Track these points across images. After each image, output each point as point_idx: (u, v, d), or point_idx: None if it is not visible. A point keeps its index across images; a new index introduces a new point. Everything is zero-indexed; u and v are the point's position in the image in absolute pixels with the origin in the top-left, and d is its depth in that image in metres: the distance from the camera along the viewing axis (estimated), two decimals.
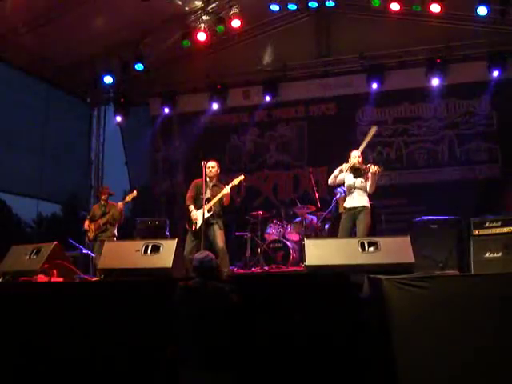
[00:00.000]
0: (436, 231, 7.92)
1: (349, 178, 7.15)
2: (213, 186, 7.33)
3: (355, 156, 7.09)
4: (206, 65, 11.83)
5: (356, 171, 7.04)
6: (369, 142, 7.44)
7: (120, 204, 8.81)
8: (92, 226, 8.74)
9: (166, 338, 4.50)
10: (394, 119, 11.05)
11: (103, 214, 8.76)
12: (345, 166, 7.08)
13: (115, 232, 8.83)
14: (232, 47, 11.62)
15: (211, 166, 7.36)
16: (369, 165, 6.98)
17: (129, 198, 8.87)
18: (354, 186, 7.11)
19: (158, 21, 10.67)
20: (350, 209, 7.09)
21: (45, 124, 11.30)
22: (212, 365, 4.15)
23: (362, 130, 11.13)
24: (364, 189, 7.07)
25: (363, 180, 7.05)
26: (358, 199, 7.06)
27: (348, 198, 7.19)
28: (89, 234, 8.81)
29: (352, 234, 7.07)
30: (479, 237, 7.34)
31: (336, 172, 7.20)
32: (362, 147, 7.23)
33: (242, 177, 7.43)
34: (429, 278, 4.76)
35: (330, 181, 7.35)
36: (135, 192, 8.89)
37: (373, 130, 7.51)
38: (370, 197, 7.17)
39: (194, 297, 4.35)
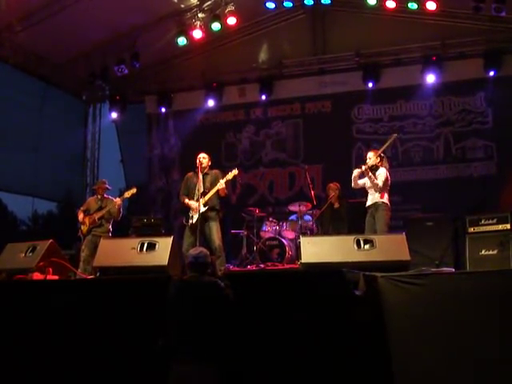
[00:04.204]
0: (431, 229, 7.95)
1: (365, 179, 7.32)
2: (204, 175, 7.27)
3: (369, 158, 7.27)
4: (201, 62, 11.81)
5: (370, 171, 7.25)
6: (387, 147, 7.54)
7: (118, 200, 8.42)
8: (87, 220, 8.36)
9: (160, 335, 4.50)
10: (390, 117, 11.03)
11: (99, 209, 8.39)
12: (358, 170, 7.29)
13: (110, 228, 8.51)
14: (228, 45, 11.62)
15: (202, 157, 7.38)
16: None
17: (128, 194, 8.43)
18: (367, 186, 7.29)
19: (154, 18, 10.65)
20: (368, 207, 7.27)
21: (40, 121, 11.29)
22: (203, 358, 4.15)
23: (358, 127, 11.18)
24: (375, 187, 7.15)
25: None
26: (370, 198, 7.24)
27: (368, 198, 7.36)
28: (82, 228, 8.38)
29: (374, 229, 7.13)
30: (474, 234, 7.35)
31: (354, 173, 7.36)
32: (380, 151, 7.35)
33: (235, 171, 7.38)
34: (424, 276, 4.79)
35: (352, 184, 7.46)
36: (135, 189, 8.46)
37: (392, 138, 7.54)
38: (387, 194, 7.17)
39: (190, 291, 4.37)
